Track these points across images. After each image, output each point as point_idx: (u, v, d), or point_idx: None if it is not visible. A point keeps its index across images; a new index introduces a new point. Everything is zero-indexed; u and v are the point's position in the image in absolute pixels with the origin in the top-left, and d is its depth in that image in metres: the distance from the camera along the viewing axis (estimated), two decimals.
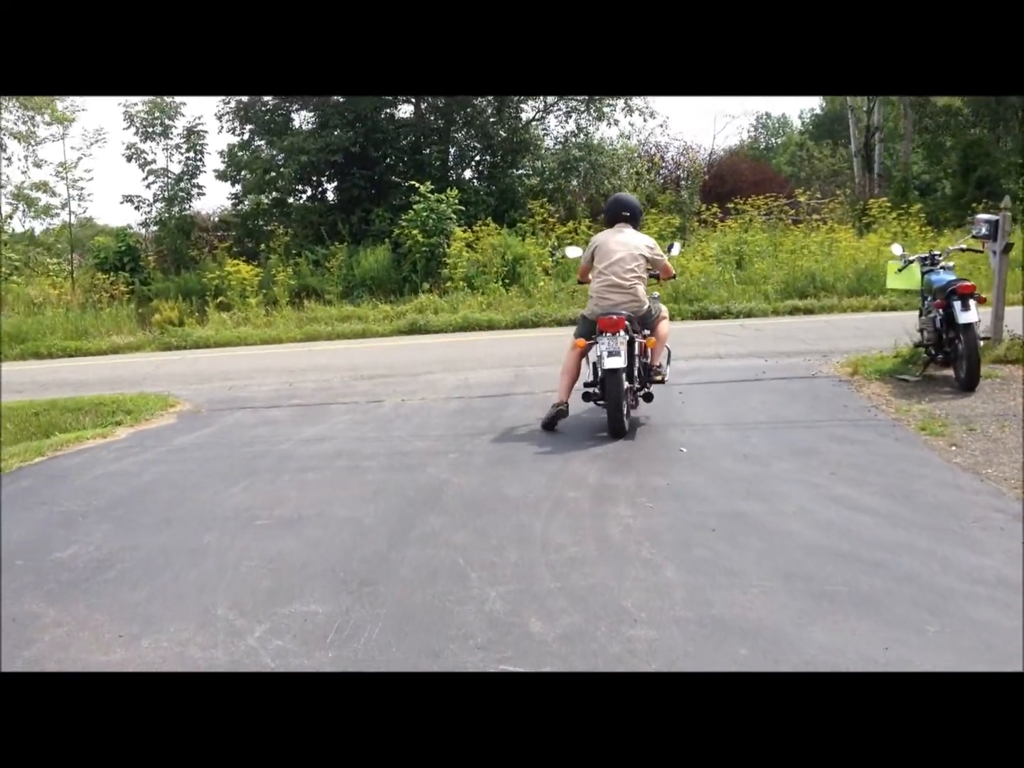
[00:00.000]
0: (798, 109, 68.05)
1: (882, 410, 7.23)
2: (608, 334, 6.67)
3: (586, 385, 7.12)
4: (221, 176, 21.46)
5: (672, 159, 26.38)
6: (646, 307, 7.14)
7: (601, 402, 6.99)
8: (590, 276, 7.40)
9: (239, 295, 17.28)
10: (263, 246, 19.44)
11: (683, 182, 24.03)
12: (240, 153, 21.33)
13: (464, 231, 17.74)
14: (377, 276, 17.88)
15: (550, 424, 7.13)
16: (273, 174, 20.88)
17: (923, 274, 8.52)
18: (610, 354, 6.60)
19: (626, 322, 6.73)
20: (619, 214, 7.37)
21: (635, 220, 7.45)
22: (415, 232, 17.47)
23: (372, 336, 15.07)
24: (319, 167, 20.63)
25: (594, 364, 7.02)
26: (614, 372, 6.61)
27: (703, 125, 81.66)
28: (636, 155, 23.07)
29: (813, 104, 51.64)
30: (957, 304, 7.56)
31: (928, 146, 29.27)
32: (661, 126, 31.59)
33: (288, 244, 19.30)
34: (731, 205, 19.15)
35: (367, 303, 16.93)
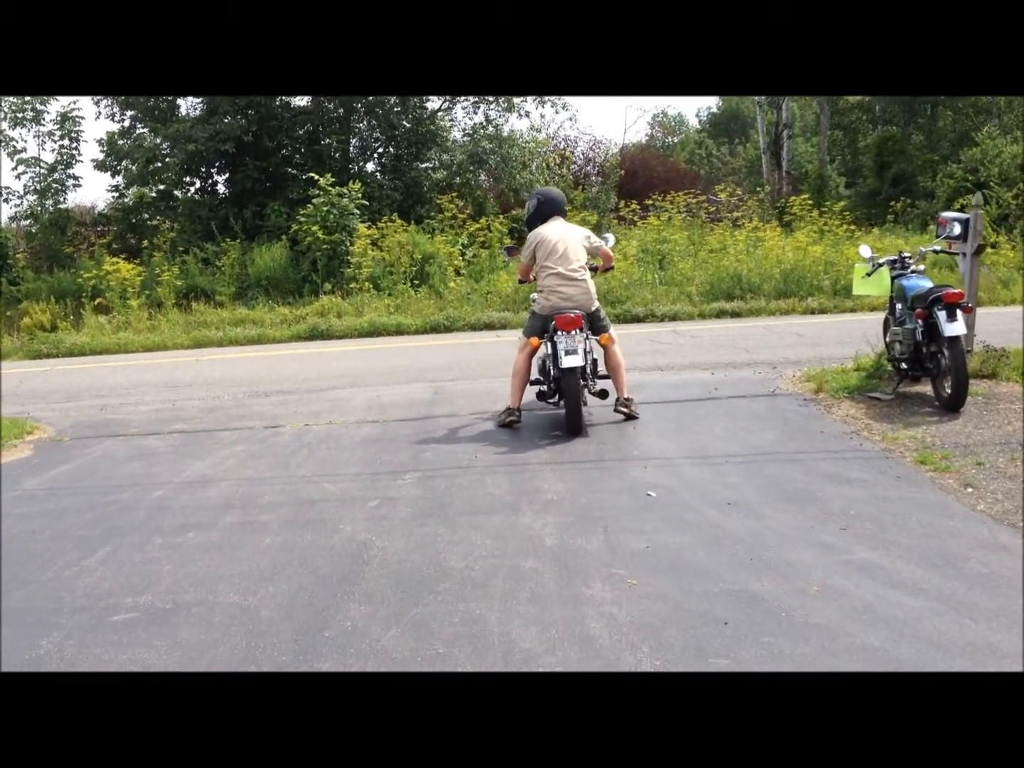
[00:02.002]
0: (695, 108, 68.16)
1: (865, 437, 6.29)
2: (565, 332, 6.55)
3: (532, 383, 7.08)
4: (100, 166, 19.63)
5: (582, 154, 25.51)
6: (596, 304, 7.00)
7: (552, 400, 7.05)
8: (532, 275, 7.23)
9: (119, 296, 15.55)
10: (147, 243, 17.76)
11: (596, 178, 23.12)
12: (121, 141, 19.51)
13: (368, 228, 16.39)
14: (273, 276, 16.37)
15: (508, 426, 7.01)
16: (158, 164, 19.15)
17: (893, 279, 7.64)
18: (567, 352, 6.48)
19: (583, 320, 6.64)
20: (552, 209, 7.20)
21: (564, 214, 7.34)
22: (315, 228, 16.06)
23: (268, 342, 13.64)
24: (208, 157, 18.97)
25: (543, 361, 7.02)
26: (572, 371, 6.49)
27: (612, 119, 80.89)
28: (547, 149, 22.00)
29: (710, 103, 51.79)
30: (942, 314, 6.67)
31: (838, 143, 28.97)
32: (571, 119, 30.55)
33: (174, 241, 17.64)
34: (650, 202, 18.25)
35: (262, 305, 15.45)
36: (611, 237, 7.63)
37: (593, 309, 6.90)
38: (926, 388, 7.46)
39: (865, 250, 7.83)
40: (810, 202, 18.01)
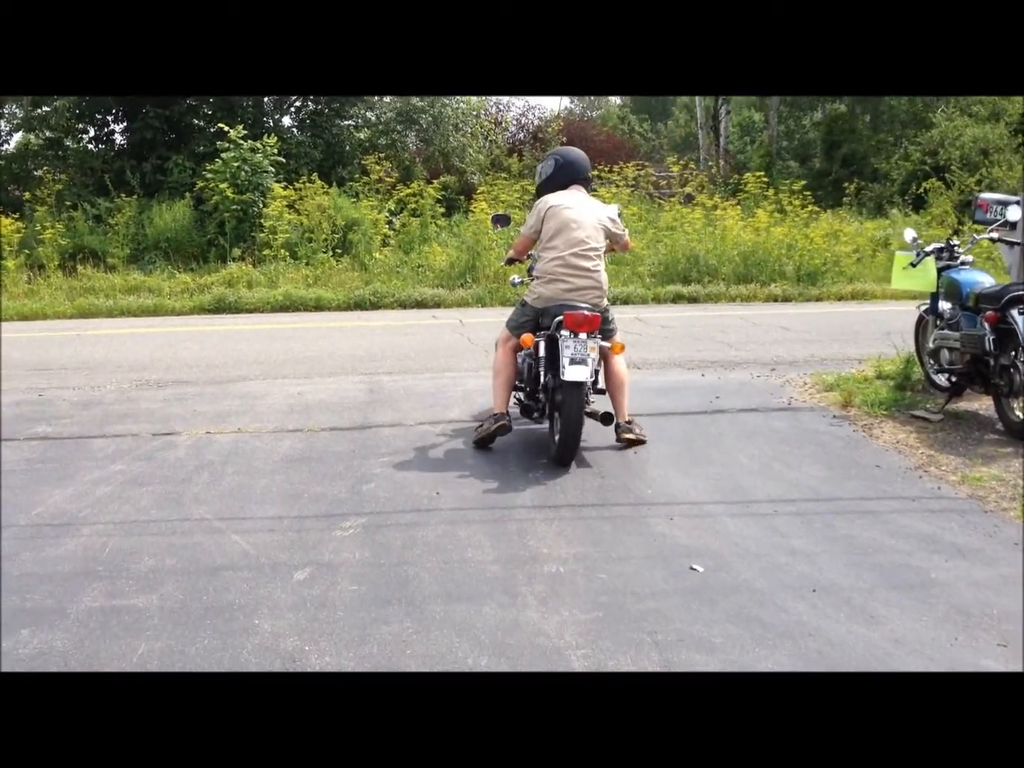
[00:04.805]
0: None
1: (937, 476, 4.91)
2: (573, 334, 4.93)
3: (515, 390, 5.56)
4: None
5: (515, 119, 23.93)
6: (606, 302, 5.45)
7: (536, 416, 5.52)
8: (531, 252, 5.63)
9: None
10: (29, 195, 15.61)
11: (531, 145, 21.54)
12: None
13: (284, 188, 14.58)
14: (175, 238, 14.46)
15: (487, 442, 5.43)
16: (46, 109, 17.08)
17: (939, 271, 6.28)
18: (573, 362, 4.90)
19: (599, 322, 5.06)
20: (572, 174, 5.52)
21: (587, 183, 5.61)
22: (223, 186, 14.16)
23: (166, 314, 11.81)
24: (104, 103, 16.93)
25: (529, 364, 5.39)
26: (578, 386, 4.94)
27: None
28: (481, 112, 20.33)
29: None
30: (1022, 320, 5.33)
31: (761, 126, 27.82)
32: None
33: (61, 193, 15.55)
34: (595, 172, 16.74)
35: (161, 271, 13.61)
36: (615, 208, 5.71)
37: (603, 307, 5.31)
38: (973, 404, 6.18)
39: (909, 234, 6.44)
40: (766, 180, 16.72)
